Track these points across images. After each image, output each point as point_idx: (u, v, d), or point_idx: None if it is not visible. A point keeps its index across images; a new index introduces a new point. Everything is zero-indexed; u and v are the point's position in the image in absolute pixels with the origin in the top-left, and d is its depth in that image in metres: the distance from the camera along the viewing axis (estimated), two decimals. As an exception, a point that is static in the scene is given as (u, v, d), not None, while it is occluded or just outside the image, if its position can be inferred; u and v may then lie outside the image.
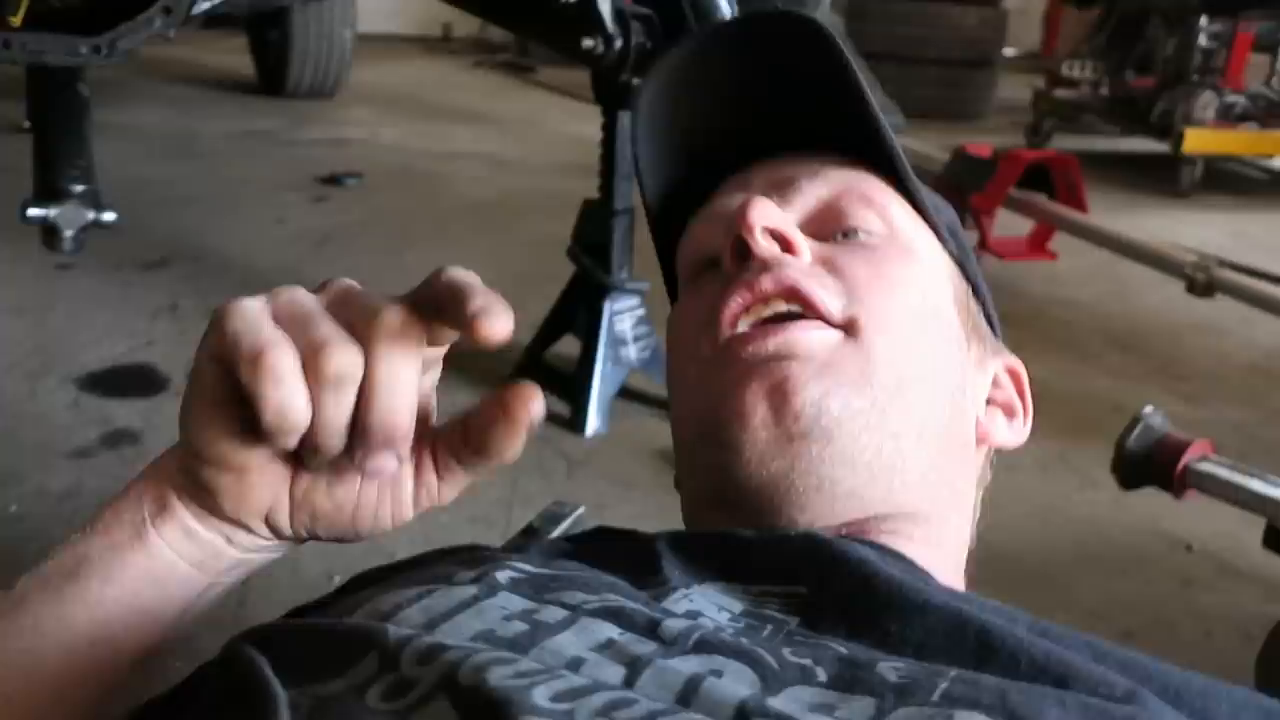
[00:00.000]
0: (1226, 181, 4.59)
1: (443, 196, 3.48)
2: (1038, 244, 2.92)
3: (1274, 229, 3.85)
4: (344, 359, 0.43)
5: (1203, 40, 4.61)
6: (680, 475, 0.66)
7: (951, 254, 0.66)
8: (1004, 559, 1.58)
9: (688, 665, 0.43)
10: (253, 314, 0.44)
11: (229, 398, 0.45)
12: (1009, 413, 0.67)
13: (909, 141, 3.26)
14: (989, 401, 0.66)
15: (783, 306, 0.57)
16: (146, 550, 0.49)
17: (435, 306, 0.45)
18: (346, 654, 0.44)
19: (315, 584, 1.40)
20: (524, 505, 1.64)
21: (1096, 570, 1.56)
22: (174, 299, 2.41)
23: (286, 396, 0.42)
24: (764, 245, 0.58)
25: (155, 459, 0.51)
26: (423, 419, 0.47)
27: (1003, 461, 2.01)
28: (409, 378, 0.45)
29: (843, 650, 0.45)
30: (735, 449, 0.56)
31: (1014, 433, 0.67)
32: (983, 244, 2.91)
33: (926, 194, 0.66)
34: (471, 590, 0.47)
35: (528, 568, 0.50)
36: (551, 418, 1.93)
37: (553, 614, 0.46)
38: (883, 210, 0.63)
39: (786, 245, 0.59)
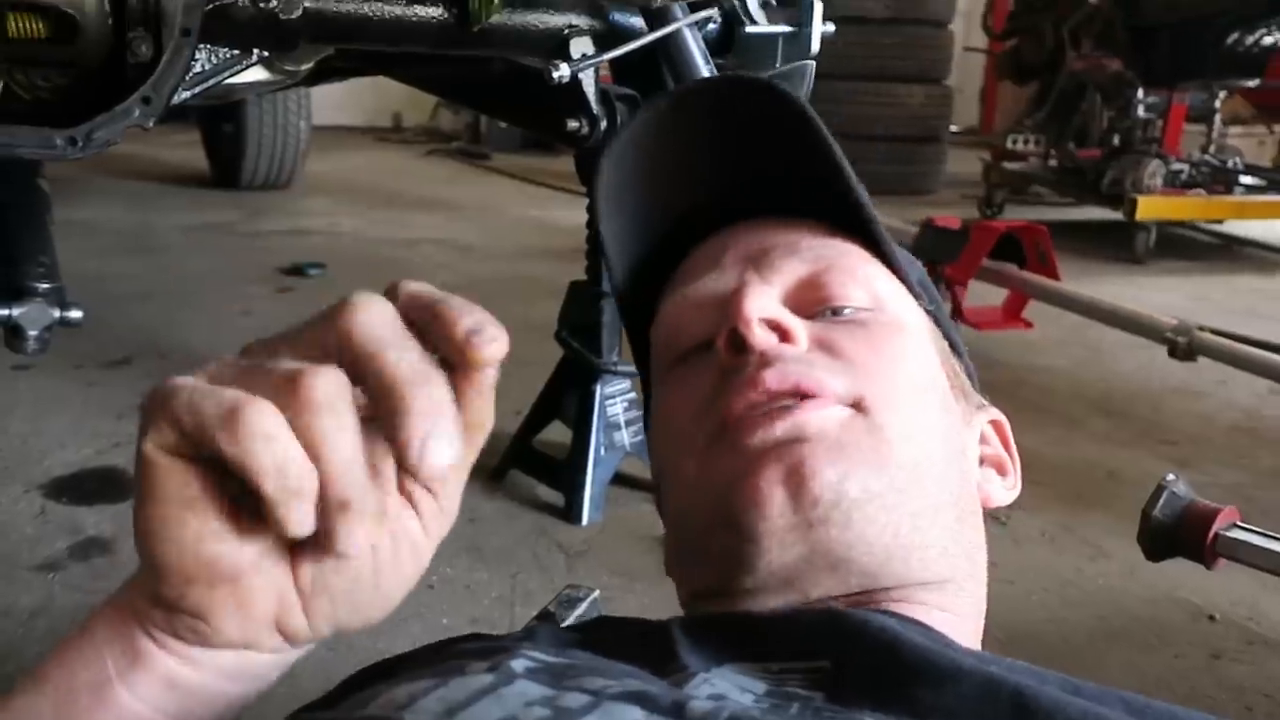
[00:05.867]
0: (1179, 247, 4.69)
1: (409, 284, 3.43)
2: (1012, 313, 2.93)
3: (1233, 293, 3.92)
4: (328, 379, 0.36)
5: (1140, 112, 4.76)
6: (676, 564, 0.63)
7: (927, 310, 0.65)
8: (1025, 638, 1.53)
9: None
10: (196, 384, 0.37)
11: (202, 492, 0.37)
12: (1000, 470, 0.66)
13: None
14: (981, 461, 0.65)
15: (788, 401, 0.55)
16: (115, 715, 0.40)
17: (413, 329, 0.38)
18: None
19: (312, 698, 1.31)
20: (525, 603, 1.57)
21: (1122, 645, 1.52)
22: (139, 398, 2.30)
23: (282, 451, 0.35)
24: (762, 337, 0.56)
25: (111, 596, 0.42)
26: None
27: (1009, 535, 1.95)
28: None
29: None
30: (753, 538, 0.53)
31: (1008, 490, 0.66)
32: (957, 314, 2.91)
33: (899, 253, 0.65)
34: (488, 678, 0.44)
35: (542, 656, 0.47)
36: (545, 507, 1.86)
37: (575, 699, 0.42)
38: (867, 283, 0.61)
39: (784, 334, 0.57)
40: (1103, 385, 2.71)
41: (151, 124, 1.46)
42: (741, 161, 0.65)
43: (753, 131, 0.64)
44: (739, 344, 0.56)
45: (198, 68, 1.36)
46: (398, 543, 0.41)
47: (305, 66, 1.63)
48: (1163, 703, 0.49)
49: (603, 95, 1.75)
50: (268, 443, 0.35)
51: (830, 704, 0.46)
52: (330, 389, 0.36)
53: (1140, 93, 4.75)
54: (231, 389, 0.36)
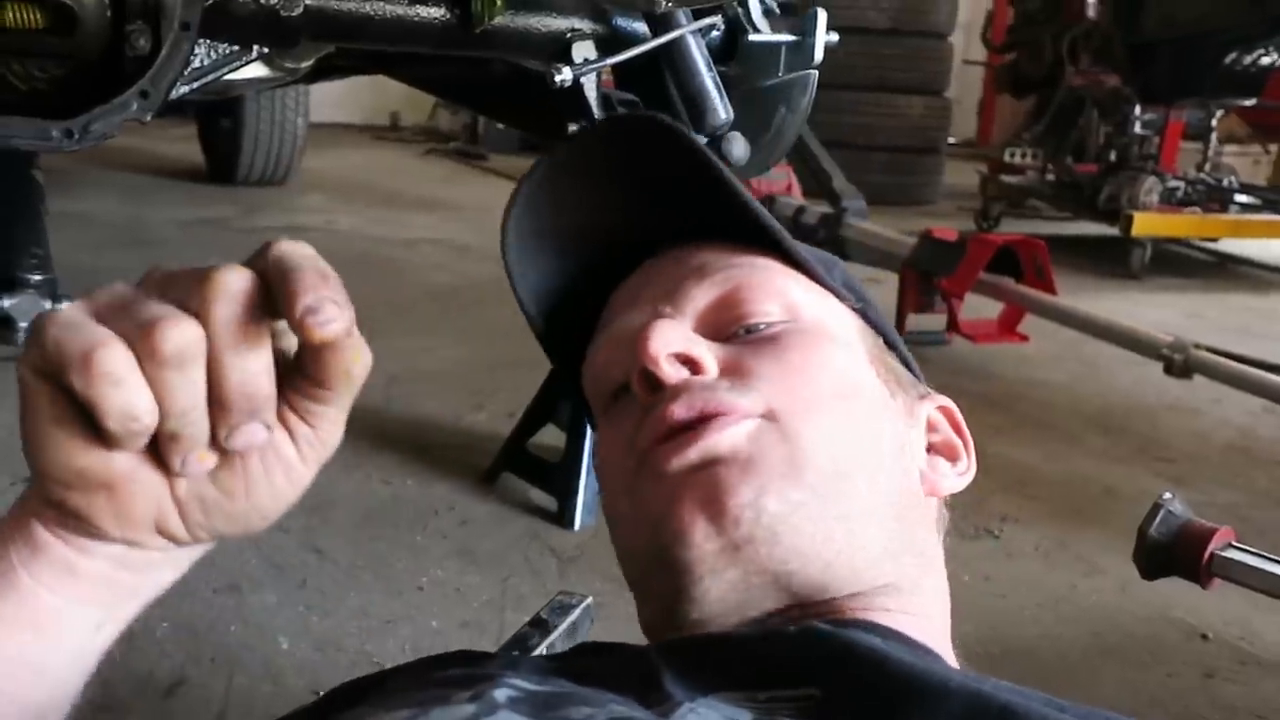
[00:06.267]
0: (1174, 264, 4.70)
1: (405, 284, 3.41)
2: (1008, 326, 2.93)
3: (1228, 311, 3.92)
4: (180, 333, 0.39)
5: (1137, 128, 4.78)
6: (637, 604, 0.63)
7: (854, 309, 0.65)
8: (1018, 654, 1.52)
9: None
10: (71, 317, 0.40)
11: (68, 411, 0.41)
12: (951, 456, 0.66)
13: (869, 225, 3.29)
14: (929, 449, 0.65)
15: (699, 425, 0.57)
16: (19, 598, 0.44)
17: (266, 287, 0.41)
18: None
19: (299, 700, 1.30)
20: (516, 607, 1.55)
21: (1116, 663, 1.51)
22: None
23: (127, 395, 0.39)
24: (670, 372, 0.57)
25: (18, 499, 0.46)
26: (279, 374, 0.43)
27: (1003, 549, 1.93)
28: (258, 340, 0.41)
29: None
30: (685, 569, 0.54)
31: (960, 476, 0.66)
32: (953, 327, 2.91)
33: (814, 256, 0.66)
34: (470, 709, 0.44)
35: (525, 685, 0.47)
36: (538, 511, 1.85)
37: None
38: (780, 295, 0.62)
39: (693, 366, 0.58)
40: (1099, 401, 2.70)
41: (149, 118, 1.45)
42: (647, 199, 0.67)
43: (650, 168, 0.65)
44: (651, 382, 0.57)
45: (196, 63, 1.35)
46: (270, 465, 0.45)
47: (305, 64, 1.61)
48: None
49: (605, 100, 1.74)
50: (115, 386, 0.39)
51: None
52: (180, 342, 0.39)
53: (1137, 109, 4.76)
54: (96, 328, 0.40)
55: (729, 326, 0.61)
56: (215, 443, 0.42)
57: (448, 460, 2.04)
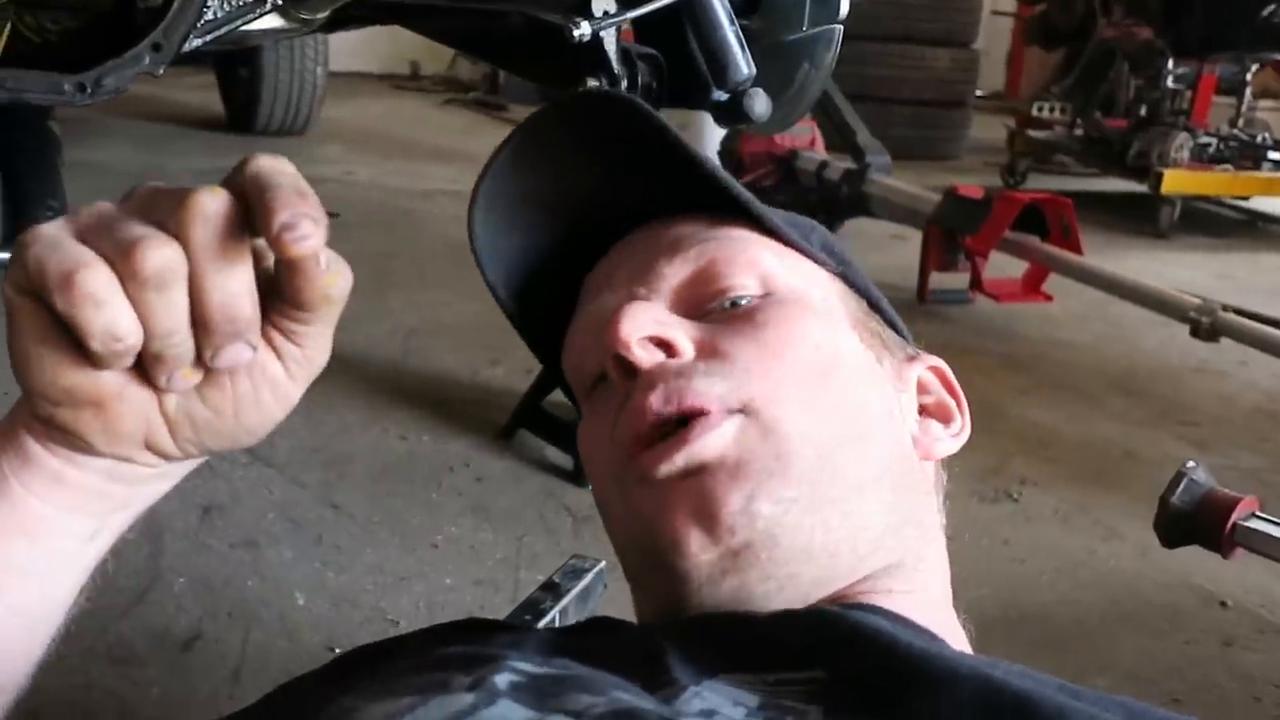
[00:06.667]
0: (1203, 222, 4.62)
1: (423, 236, 3.40)
2: (1032, 286, 2.89)
3: (1258, 271, 3.86)
4: (161, 254, 0.39)
5: (1169, 82, 4.67)
6: (634, 597, 0.63)
7: (834, 272, 0.64)
8: (1035, 619, 1.52)
9: None
10: (53, 235, 0.40)
11: (54, 329, 0.41)
12: (944, 417, 0.64)
13: (893, 182, 3.24)
14: (921, 411, 0.63)
15: (679, 424, 0.55)
16: (10, 506, 0.45)
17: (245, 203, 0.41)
18: None
19: (314, 655, 1.31)
20: (530, 566, 1.56)
21: (1133, 630, 1.50)
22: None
23: (110, 316, 0.39)
24: (643, 356, 0.56)
25: (11, 410, 0.46)
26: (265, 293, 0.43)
27: (1022, 512, 1.91)
28: (238, 260, 0.41)
29: None
30: (683, 578, 0.53)
31: (955, 438, 0.64)
32: (977, 285, 2.88)
33: (789, 222, 0.64)
34: (468, 699, 0.43)
35: (528, 668, 0.46)
36: (553, 469, 1.85)
37: None
38: (754, 266, 0.60)
39: (667, 348, 0.56)
40: (1124, 362, 2.67)
41: (162, 71, 1.43)
42: (613, 176, 0.65)
43: (613, 145, 0.63)
44: (625, 367, 0.56)
45: (210, 14, 1.33)
46: (258, 383, 0.45)
47: (321, 15, 1.59)
48: (1163, 710, 0.48)
49: (624, 54, 1.70)
50: (96, 308, 0.39)
51: (827, 717, 0.45)
52: (160, 263, 0.39)
53: (1170, 63, 4.65)
54: (78, 248, 0.40)
55: (706, 302, 0.60)
56: (200, 361, 0.42)
57: (464, 416, 2.04)
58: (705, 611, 0.54)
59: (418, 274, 2.96)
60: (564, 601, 1.05)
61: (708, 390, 0.55)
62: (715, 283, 0.60)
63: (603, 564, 1.19)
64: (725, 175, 0.62)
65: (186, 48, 1.55)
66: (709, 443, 0.53)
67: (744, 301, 0.59)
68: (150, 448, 0.45)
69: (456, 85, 7.52)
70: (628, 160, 0.64)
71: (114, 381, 0.42)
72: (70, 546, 0.47)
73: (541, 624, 0.98)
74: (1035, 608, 1.54)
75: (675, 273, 0.61)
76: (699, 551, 0.53)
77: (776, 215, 0.63)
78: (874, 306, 0.66)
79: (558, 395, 1.96)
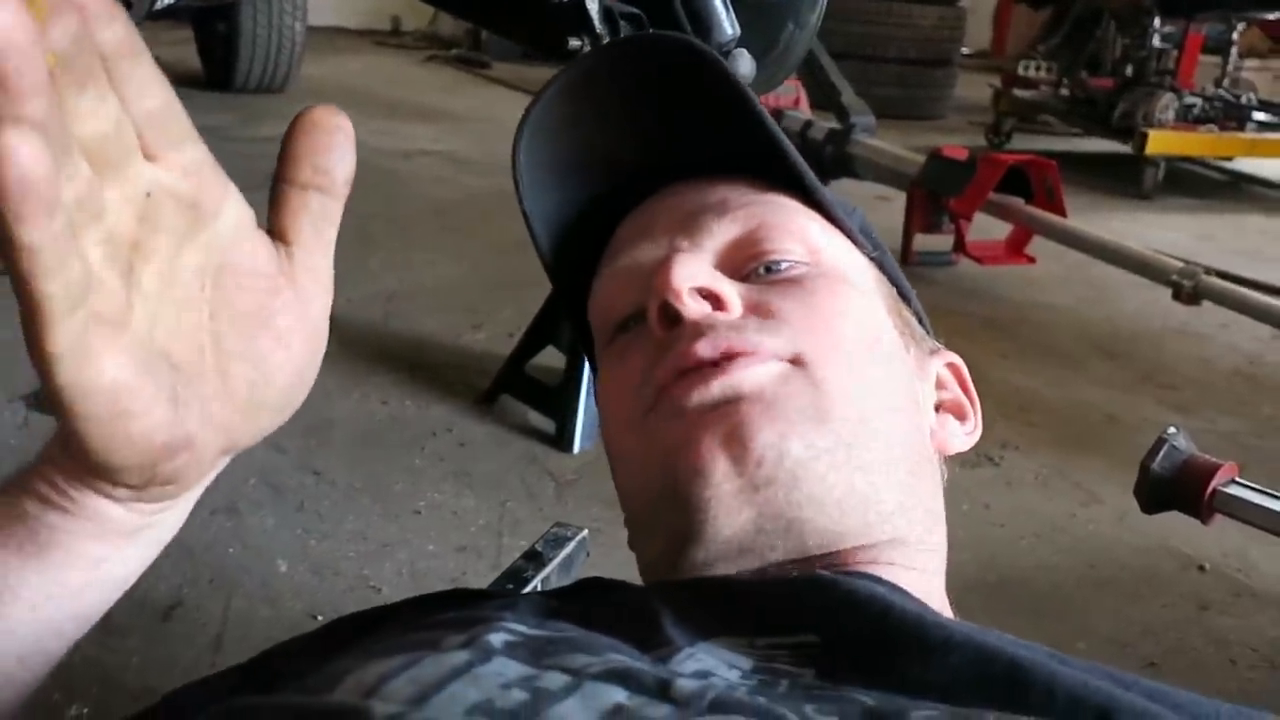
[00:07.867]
0: (1187, 183, 4.63)
1: (405, 197, 3.36)
2: (1015, 248, 2.89)
3: (1240, 232, 3.87)
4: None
5: (1155, 41, 4.65)
6: (632, 540, 0.62)
7: (870, 257, 0.64)
8: (1013, 583, 1.53)
9: None
10: None
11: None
12: (959, 415, 0.64)
13: (877, 143, 3.22)
14: (938, 406, 0.63)
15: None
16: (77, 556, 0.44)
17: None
18: None
19: (296, 623, 1.31)
20: (513, 532, 1.56)
21: (1111, 594, 1.51)
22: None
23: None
24: (693, 308, 0.54)
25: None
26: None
27: (1003, 477, 1.92)
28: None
29: (869, 701, 0.42)
30: (700, 507, 0.52)
31: (968, 436, 0.64)
32: (960, 248, 2.87)
33: (835, 200, 0.63)
34: (463, 656, 0.42)
35: (522, 629, 0.46)
36: (536, 434, 1.84)
37: (555, 680, 0.41)
38: (802, 236, 0.60)
39: (716, 302, 0.55)
40: (1105, 325, 2.68)
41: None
42: (664, 125, 0.64)
43: (671, 93, 0.62)
44: (671, 316, 0.55)
45: (181, -28, 1.30)
46: (283, 301, 0.43)
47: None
48: (1150, 681, 0.48)
49: (606, 13, 1.68)
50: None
51: (820, 680, 0.45)
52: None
53: (1157, 21, 4.63)
54: None
55: (748, 264, 0.59)
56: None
57: (446, 380, 2.03)
58: (708, 552, 0.53)
59: (399, 235, 2.94)
60: (546, 570, 1.05)
61: (760, 341, 0.54)
62: (761, 244, 0.59)
63: (585, 532, 1.19)
64: (789, 142, 0.61)
65: (160, 4, 1.51)
66: (749, 375, 0.53)
67: (783, 266, 0.59)
68: (226, 451, 0.43)
69: (438, 41, 7.42)
70: (681, 110, 0.62)
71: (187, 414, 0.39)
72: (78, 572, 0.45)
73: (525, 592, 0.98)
74: (1014, 572, 1.55)
75: (724, 231, 0.60)
76: (723, 480, 0.51)
77: (825, 190, 0.63)
78: (903, 296, 0.66)
79: (540, 359, 1.95)
